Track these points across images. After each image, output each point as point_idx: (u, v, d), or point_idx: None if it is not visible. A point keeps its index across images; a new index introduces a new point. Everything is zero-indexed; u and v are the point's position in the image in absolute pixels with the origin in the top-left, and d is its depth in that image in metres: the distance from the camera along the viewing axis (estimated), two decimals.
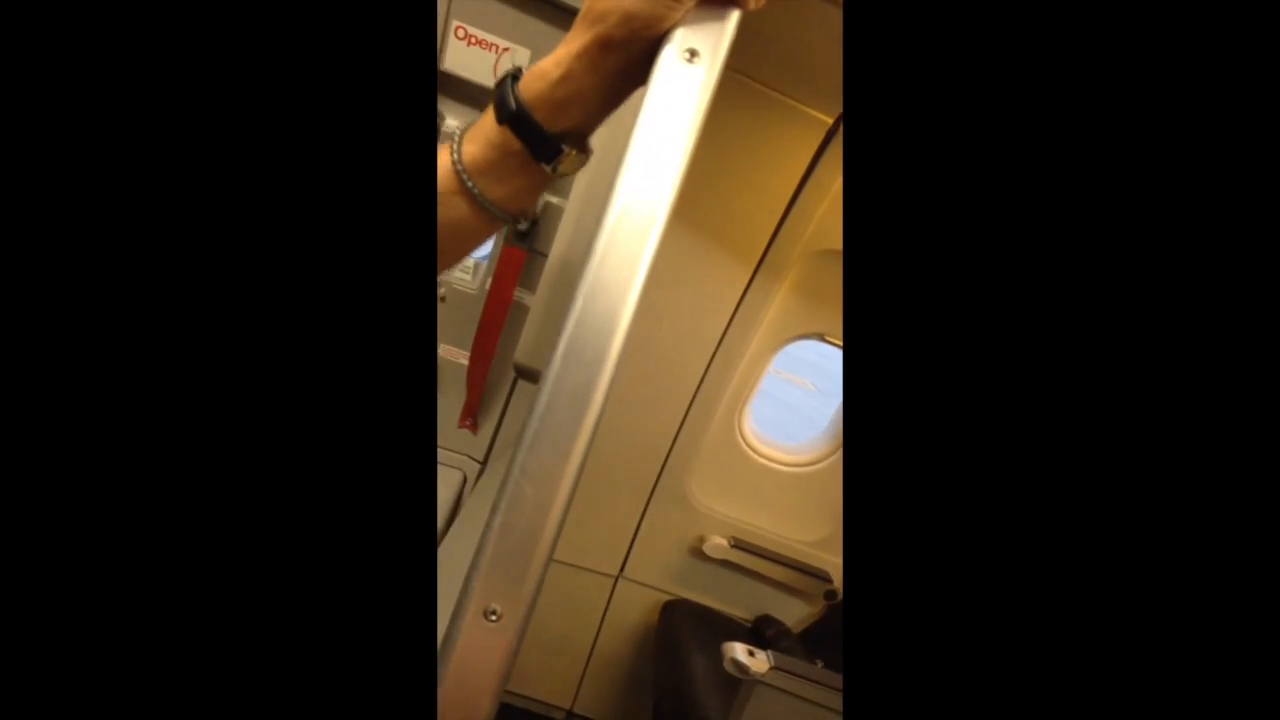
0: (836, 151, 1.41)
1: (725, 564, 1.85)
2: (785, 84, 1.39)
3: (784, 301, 1.68)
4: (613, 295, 0.38)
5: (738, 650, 1.29)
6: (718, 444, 1.84)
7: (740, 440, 1.86)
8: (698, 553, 1.84)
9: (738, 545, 1.82)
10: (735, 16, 0.43)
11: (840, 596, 1.81)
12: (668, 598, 1.87)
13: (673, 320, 1.65)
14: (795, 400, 7.75)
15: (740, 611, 1.89)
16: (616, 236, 0.39)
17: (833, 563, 1.87)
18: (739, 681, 1.33)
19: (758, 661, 1.28)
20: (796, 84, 1.38)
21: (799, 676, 1.32)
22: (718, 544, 1.81)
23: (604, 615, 1.90)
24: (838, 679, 1.42)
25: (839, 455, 1.85)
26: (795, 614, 1.90)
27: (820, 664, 1.67)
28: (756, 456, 1.88)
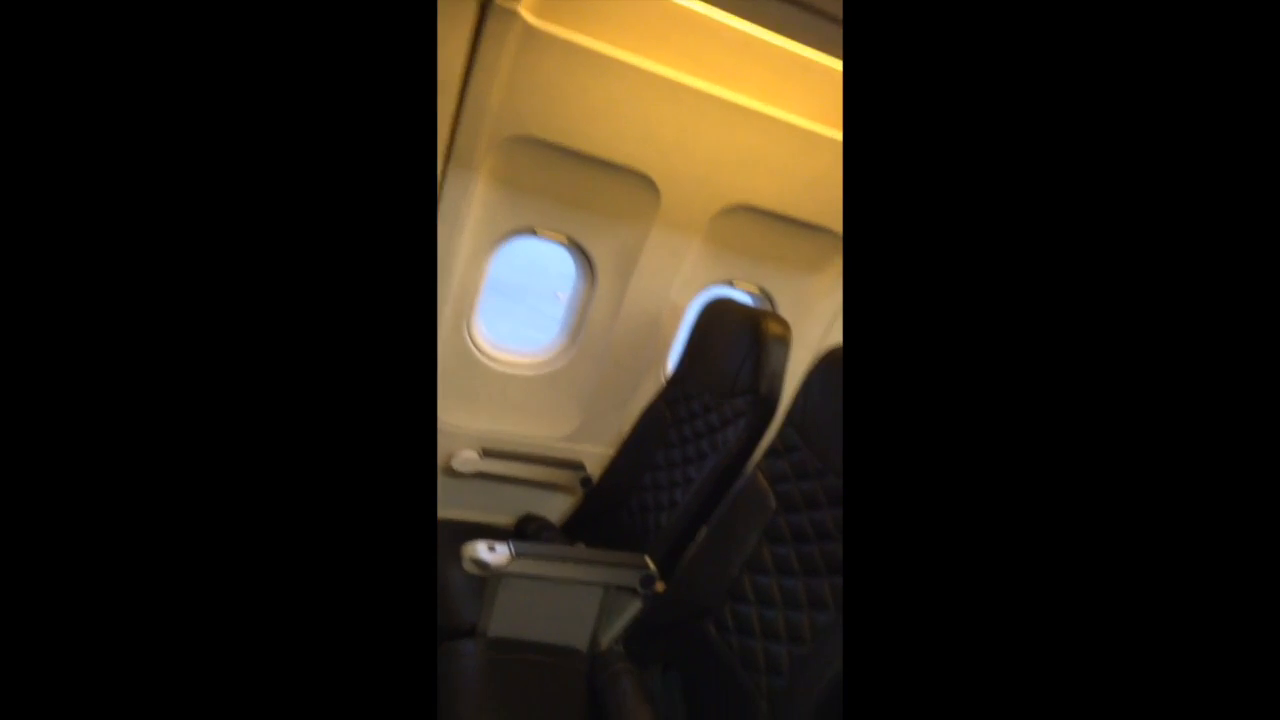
0: (496, 30, 1.34)
1: (480, 476, 1.83)
2: None
3: (486, 195, 1.62)
4: None
5: (478, 548, 1.29)
6: (451, 358, 1.77)
7: (474, 350, 1.81)
8: (448, 471, 1.79)
9: (489, 454, 1.80)
10: None
11: (595, 481, 1.89)
12: None
13: None
14: None
15: (504, 518, 1.89)
16: None
17: (585, 451, 1.93)
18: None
19: (498, 555, 1.29)
20: None
21: (544, 559, 1.35)
22: (467, 457, 1.78)
23: None
24: (585, 551, 1.48)
25: (578, 351, 1.88)
26: (559, 508, 1.95)
27: (581, 545, 1.74)
28: (496, 365, 1.84)
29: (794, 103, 1.58)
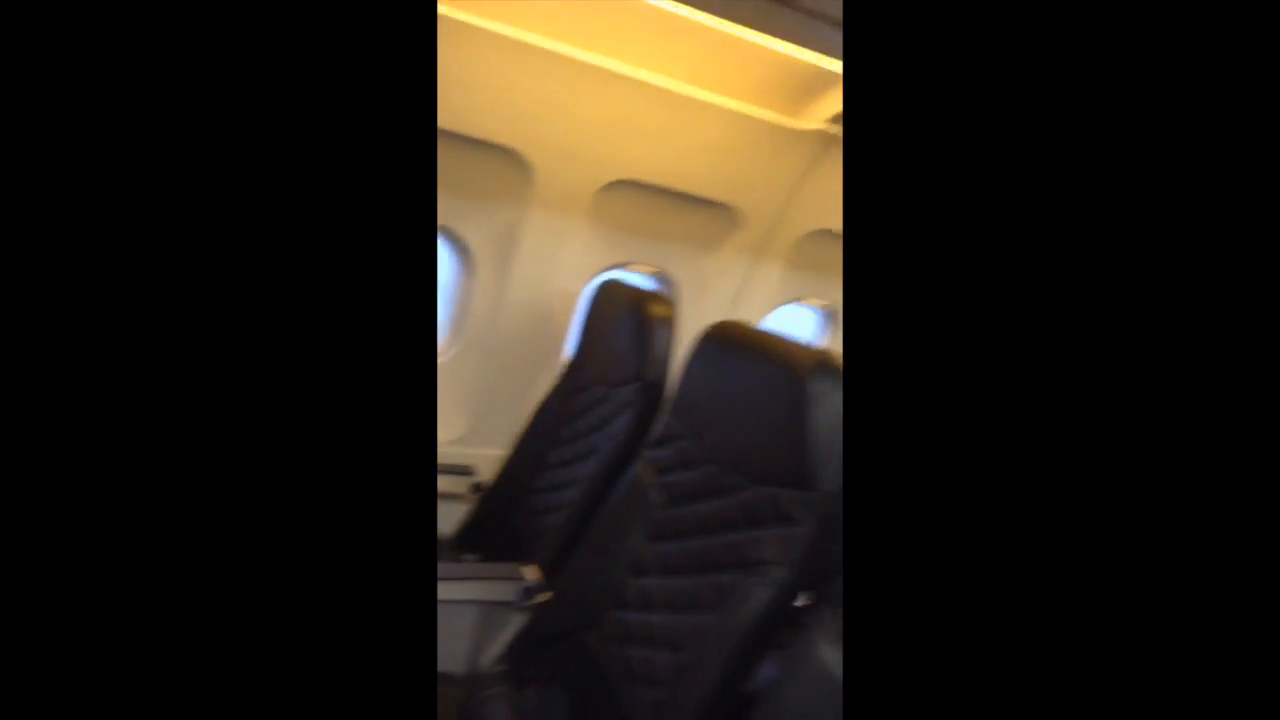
0: None
1: None
2: None
3: None
4: None
5: None
6: None
7: None
8: None
9: None
10: None
11: (485, 486, 1.75)
12: None
13: None
14: None
15: None
16: None
17: (476, 455, 1.79)
18: None
19: None
20: None
21: None
22: None
23: None
24: (455, 567, 1.34)
25: (461, 347, 1.73)
26: (451, 518, 1.80)
27: (474, 558, 1.60)
28: None
29: (671, 67, 1.47)
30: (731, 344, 1.13)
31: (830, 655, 0.78)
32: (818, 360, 0.93)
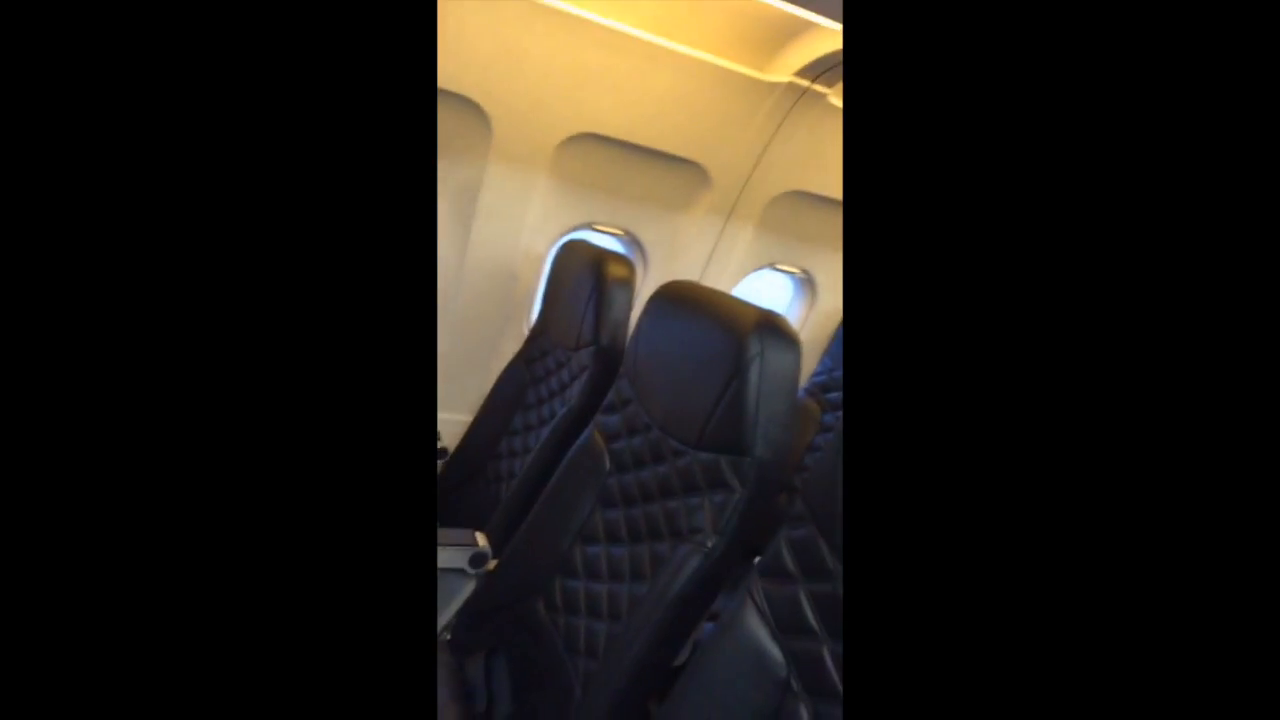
0: None
1: None
2: None
3: None
4: None
5: None
6: None
7: None
8: None
9: None
10: None
11: (449, 453, 1.72)
12: None
13: None
14: None
15: None
16: None
17: (441, 420, 1.76)
18: None
19: None
20: None
21: None
22: None
23: None
24: None
25: None
26: None
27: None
28: None
29: (632, 13, 1.39)
30: (678, 305, 1.08)
31: (755, 624, 0.75)
32: (759, 320, 0.89)
